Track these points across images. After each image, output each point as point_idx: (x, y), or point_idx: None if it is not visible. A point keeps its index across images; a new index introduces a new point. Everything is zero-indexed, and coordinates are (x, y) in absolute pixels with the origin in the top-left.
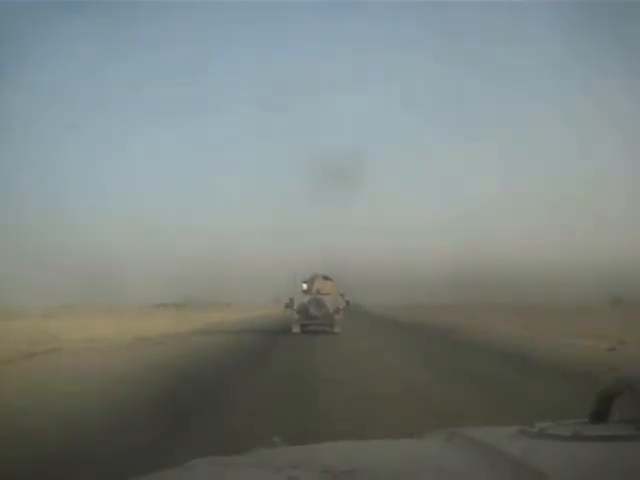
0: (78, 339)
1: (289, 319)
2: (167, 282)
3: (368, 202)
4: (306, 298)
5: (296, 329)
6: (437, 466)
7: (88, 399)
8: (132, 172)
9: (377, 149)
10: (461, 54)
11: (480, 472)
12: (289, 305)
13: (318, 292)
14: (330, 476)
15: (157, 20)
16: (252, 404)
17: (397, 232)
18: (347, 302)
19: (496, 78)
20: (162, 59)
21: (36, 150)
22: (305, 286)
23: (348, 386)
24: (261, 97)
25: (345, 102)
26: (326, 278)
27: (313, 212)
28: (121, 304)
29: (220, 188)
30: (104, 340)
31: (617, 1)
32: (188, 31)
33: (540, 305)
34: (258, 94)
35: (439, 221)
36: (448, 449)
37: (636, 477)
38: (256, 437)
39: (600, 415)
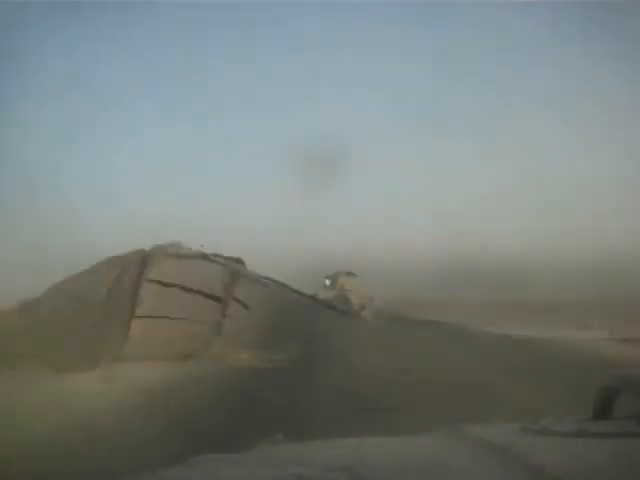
0: None
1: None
2: None
3: (363, 198)
4: (331, 294)
5: None
6: (439, 461)
7: None
8: (132, 170)
9: (366, 145)
10: (456, 52)
11: (482, 468)
12: None
13: (342, 288)
14: (331, 472)
15: (157, 20)
16: None
17: (393, 228)
18: (370, 298)
19: (494, 76)
20: (162, 59)
21: (38, 151)
22: (328, 282)
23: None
24: (256, 95)
25: (340, 99)
26: (350, 274)
27: (306, 209)
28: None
29: (215, 184)
30: None
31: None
32: (186, 32)
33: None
34: (254, 92)
35: (433, 221)
36: (450, 445)
37: None
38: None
39: (602, 412)
